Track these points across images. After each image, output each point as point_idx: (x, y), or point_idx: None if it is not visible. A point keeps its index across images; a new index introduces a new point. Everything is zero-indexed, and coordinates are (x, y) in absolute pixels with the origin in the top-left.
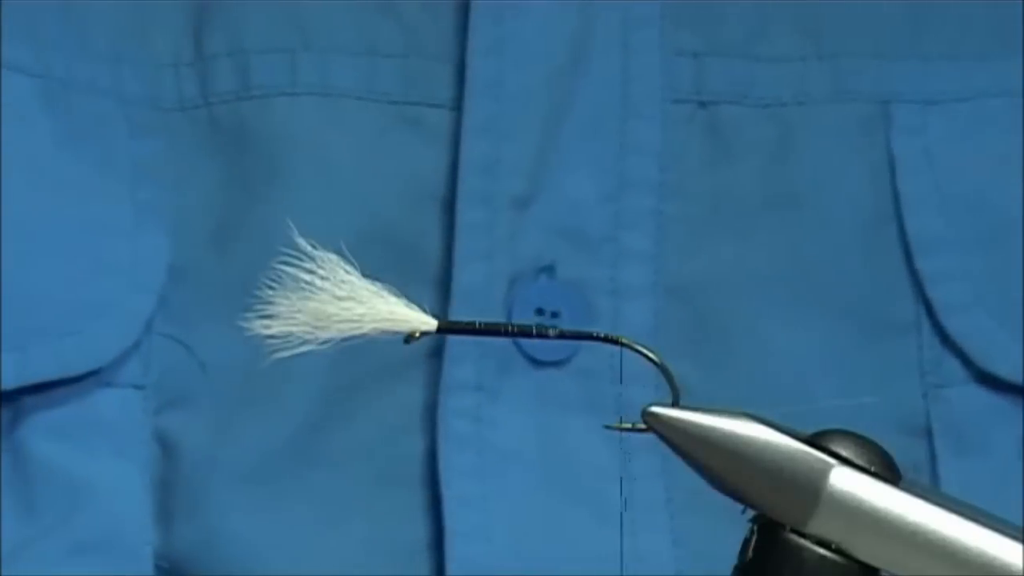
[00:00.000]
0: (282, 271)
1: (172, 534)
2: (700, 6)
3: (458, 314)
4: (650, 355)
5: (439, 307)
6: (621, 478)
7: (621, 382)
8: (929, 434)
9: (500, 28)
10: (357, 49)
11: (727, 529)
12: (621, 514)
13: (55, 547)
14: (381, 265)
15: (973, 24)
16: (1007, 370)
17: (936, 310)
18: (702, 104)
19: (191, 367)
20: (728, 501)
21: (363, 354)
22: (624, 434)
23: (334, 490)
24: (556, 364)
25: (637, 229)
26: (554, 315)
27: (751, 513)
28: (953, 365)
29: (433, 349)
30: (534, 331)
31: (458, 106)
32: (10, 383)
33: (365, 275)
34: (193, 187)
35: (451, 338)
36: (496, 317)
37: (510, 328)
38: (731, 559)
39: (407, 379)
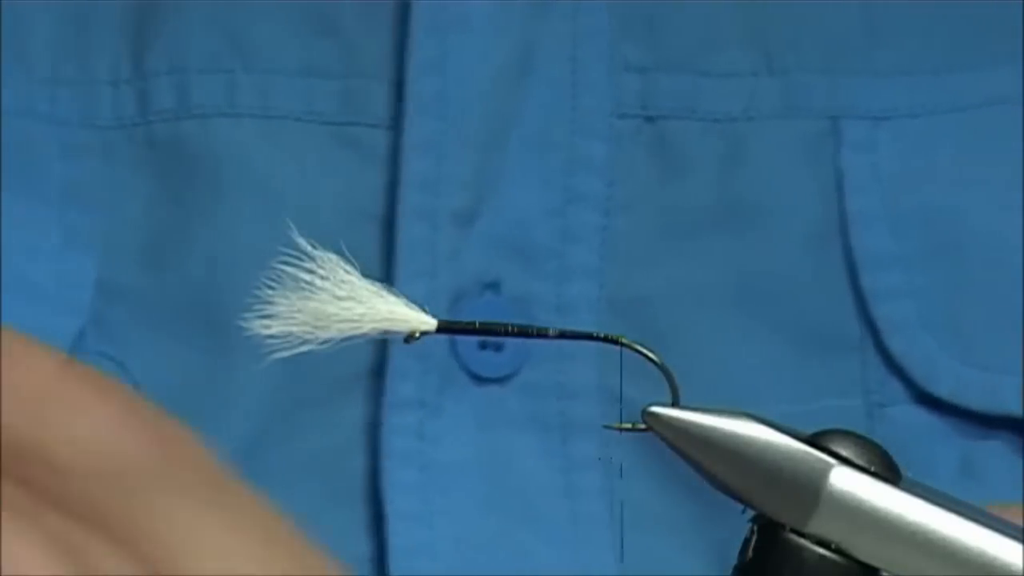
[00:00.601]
0: (282, 271)
1: None
2: (647, 20)
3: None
4: (650, 355)
5: None
6: (620, 478)
7: (621, 382)
8: None
9: (441, 44)
10: (296, 70)
11: (670, 546)
12: (621, 514)
13: None
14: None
15: (927, 39)
16: (948, 391)
17: (879, 329)
18: (649, 119)
19: (126, 386)
20: (671, 519)
21: (305, 372)
22: (622, 434)
23: (276, 508)
24: (499, 381)
25: (583, 244)
26: None
27: (751, 513)
28: (896, 385)
29: (376, 366)
30: (534, 331)
31: (396, 125)
32: None
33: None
34: (128, 206)
35: (393, 355)
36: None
37: (510, 328)
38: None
39: (350, 397)
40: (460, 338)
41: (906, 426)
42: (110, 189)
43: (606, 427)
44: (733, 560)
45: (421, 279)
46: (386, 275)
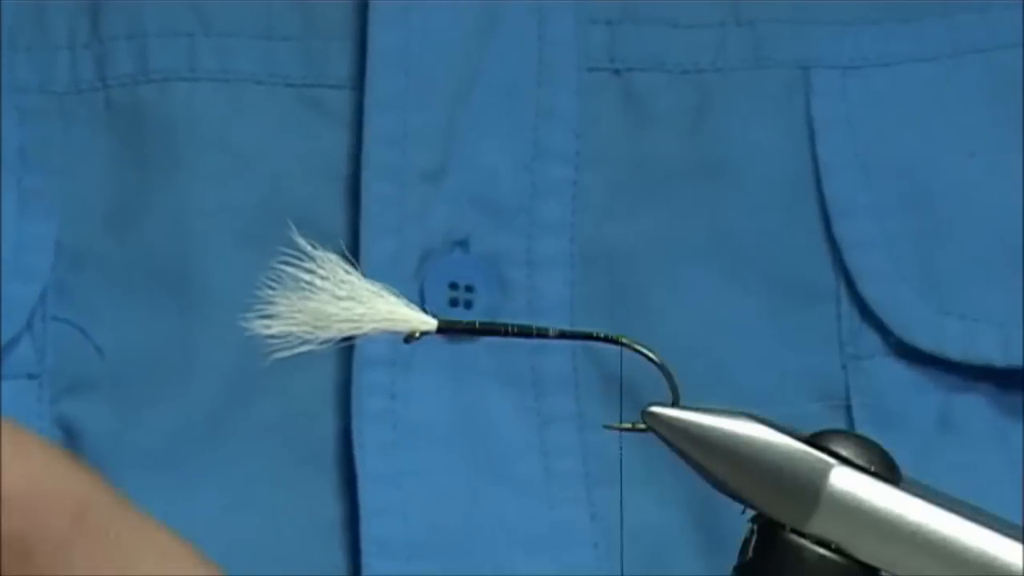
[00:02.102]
0: (282, 271)
1: None
2: None
3: None
4: (650, 355)
5: None
6: (621, 478)
7: (621, 382)
8: (848, 406)
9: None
10: (255, 32)
11: (645, 503)
12: (620, 513)
13: None
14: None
15: None
16: (926, 342)
17: (854, 278)
18: (616, 71)
19: (89, 352)
20: (644, 474)
21: None
22: (623, 433)
23: (245, 472)
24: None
25: (552, 198)
26: (468, 289)
27: (751, 513)
28: (872, 337)
29: None
30: (534, 331)
31: (359, 84)
32: None
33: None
34: (89, 171)
35: None
36: (408, 292)
37: (510, 328)
38: (649, 532)
39: (319, 358)
40: (429, 295)
41: (882, 379)
42: (69, 155)
43: (606, 427)
44: (711, 515)
45: (389, 237)
46: (353, 235)
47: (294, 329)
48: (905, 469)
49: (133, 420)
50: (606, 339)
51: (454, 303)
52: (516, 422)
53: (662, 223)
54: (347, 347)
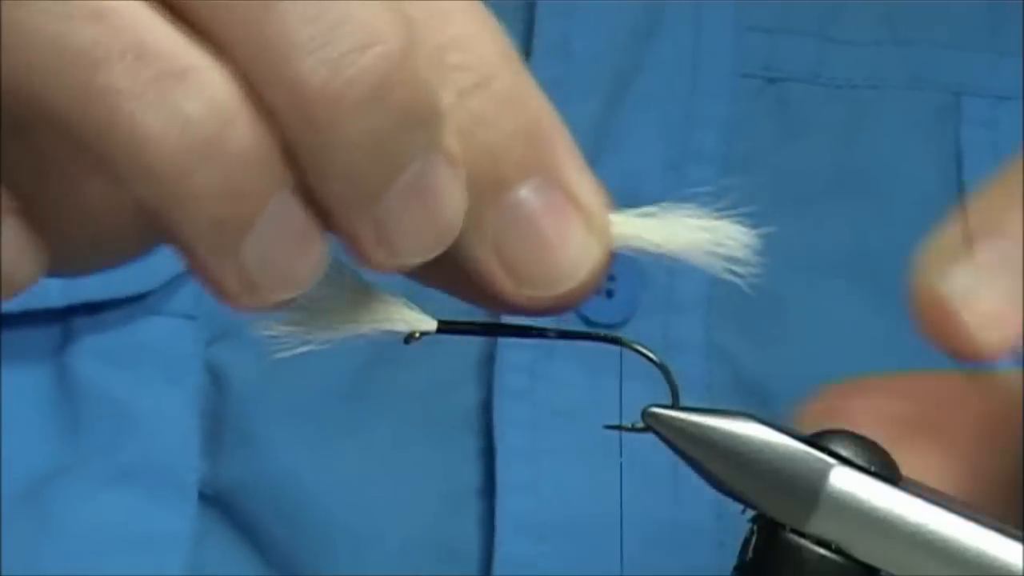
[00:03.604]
0: None
1: (219, 465)
2: None
3: None
4: (650, 355)
5: None
6: (621, 474)
7: (621, 383)
8: None
9: None
10: None
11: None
12: (620, 511)
13: (99, 470)
14: None
15: None
16: None
17: None
18: (771, 80)
19: None
20: None
21: (425, 301)
22: (623, 433)
23: (386, 432)
24: (610, 327)
25: (697, 201)
26: (610, 279)
27: (751, 513)
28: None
29: None
30: (534, 331)
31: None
32: (56, 301)
33: None
34: None
35: None
36: None
37: (509, 328)
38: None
39: None
40: None
41: None
42: None
43: (607, 427)
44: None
45: None
46: None
47: (295, 329)
48: None
49: (279, 372)
50: (606, 339)
51: (596, 290)
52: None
53: (804, 234)
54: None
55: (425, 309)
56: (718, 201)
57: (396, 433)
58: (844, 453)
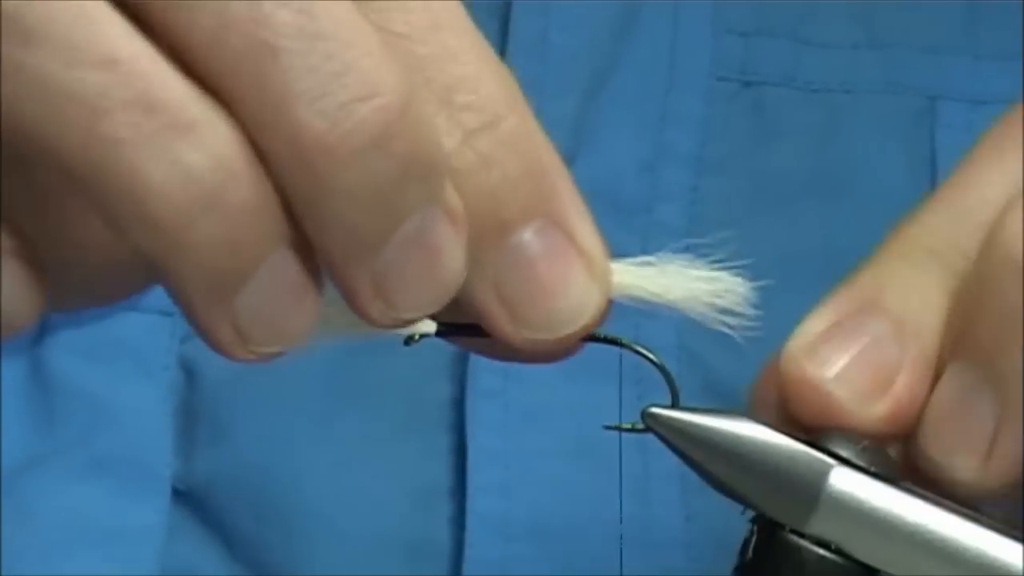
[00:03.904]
0: None
1: (193, 460)
2: None
3: None
4: (649, 356)
5: None
6: (620, 475)
7: (620, 384)
8: None
9: None
10: None
11: (739, 511)
12: (620, 509)
13: (72, 462)
14: None
15: None
16: None
17: None
18: (746, 83)
19: None
20: None
21: None
22: (622, 434)
23: (358, 428)
24: None
25: (672, 202)
26: None
27: (751, 513)
28: None
29: None
30: None
31: None
32: None
33: None
34: None
35: None
36: None
37: None
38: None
39: None
40: None
41: None
42: None
43: (606, 428)
44: None
45: None
46: None
47: None
48: None
49: (252, 370)
50: (606, 340)
51: None
52: (622, 414)
53: (778, 237)
54: None
55: None
56: (716, 252)
57: (369, 429)
58: (844, 454)
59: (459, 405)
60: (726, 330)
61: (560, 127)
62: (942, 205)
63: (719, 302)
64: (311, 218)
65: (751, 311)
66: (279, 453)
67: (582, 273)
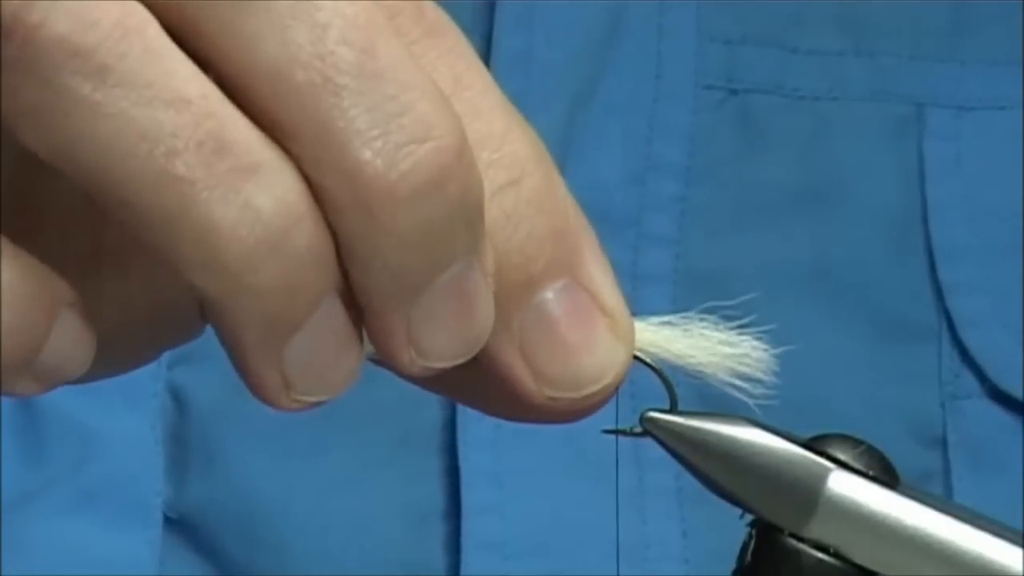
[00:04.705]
0: None
1: (184, 487)
2: None
3: None
4: (647, 361)
5: None
6: (616, 479)
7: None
8: (944, 445)
9: (530, 2)
10: None
11: (737, 526)
12: (617, 513)
13: (63, 495)
14: None
15: (1015, 30)
16: (1018, 389)
17: (955, 322)
18: (733, 92)
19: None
20: None
21: None
22: (620, 438)
23: (349, 451)
24: None
25: (661, 214)
26: None
27: (749, 517)
28: (969, 378)
29: None
30: None
31: None
32: None
33: None
34: None
35: None
36: None
37: None
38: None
39: None
40: None
41: (979, 420)
42: None
43: (604, 432)
44: None
45: None
46: None
47: None
48: (1000, 513)
49: (243, 392)
50: None
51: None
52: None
53: (768, 246)
54: None
55: None
56: (738, 318)
57: (360, 453)
58: (843, 457)
59: (450, 426)
60: (743, 397)
61: (546, 140)
62: None
63: (739, 368)
64: (359, 260)
65: (770, 378)
66: (270, 479)
67: (606, 332)
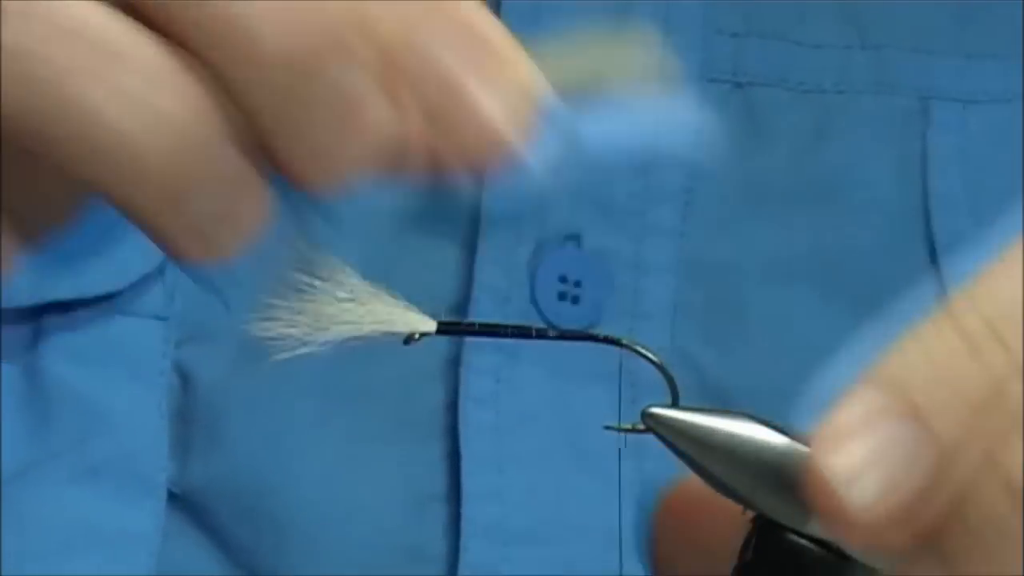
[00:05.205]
0: (282, 273)
1: (189, 465)
2: None
3: (482, 275)
4: (650, 356)
5: (465, 271)
6: (619, 477)
7: (620, 385)
8: None
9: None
10: None
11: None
12: (619, 512)
13: (67, 468)
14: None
15: (1018, 24)
16: None
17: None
18: (738, 85)
19: (216, 303)
20: None
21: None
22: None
23: (351, 433)
24: None
25: (665, 205)
26: (576, 284)
27: (751, 513)
28: None
29: (459, 303)
30: (533, 332)
31: None
32: (26, 300)
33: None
34: None
35: (476, 296)
36: (519, 281)
37: (509, 329)
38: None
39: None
40: (539, 286)
41: None
42: None
43: (606, 428)
44: None
45: (506, 227)
46: (472, 223)
47: (293, 331)
48: None
49: (249, 372)
50: (606, 340)
51: (562, 297)
52: (612, 418)
53: (771, 239)
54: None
55: (424, 310)
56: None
57: (362, 433)
58: None
59: (452, 410)
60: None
61: None
62: None
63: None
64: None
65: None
66: (274, 457)
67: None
